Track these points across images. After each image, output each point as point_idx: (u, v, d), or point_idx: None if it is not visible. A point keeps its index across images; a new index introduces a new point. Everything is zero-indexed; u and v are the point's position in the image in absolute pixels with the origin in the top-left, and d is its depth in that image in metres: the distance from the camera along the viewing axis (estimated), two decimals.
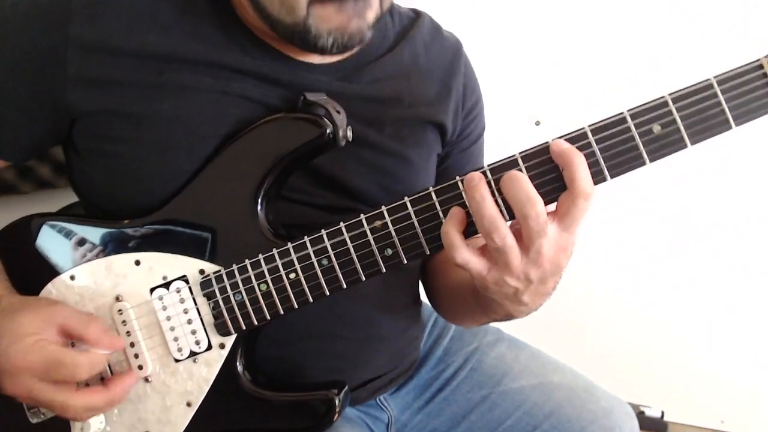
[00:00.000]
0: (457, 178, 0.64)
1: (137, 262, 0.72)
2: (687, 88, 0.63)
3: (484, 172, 0.62)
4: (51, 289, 0.74)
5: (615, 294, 1.65)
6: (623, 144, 0.63)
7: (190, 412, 0.72)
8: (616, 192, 1.48)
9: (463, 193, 0.63)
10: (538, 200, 0.58)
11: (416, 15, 0.88)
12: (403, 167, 0.80)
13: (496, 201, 0.61)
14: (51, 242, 0.75)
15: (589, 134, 0.63)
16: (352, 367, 0.80)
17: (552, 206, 0.62)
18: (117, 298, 0.72)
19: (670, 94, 0.63)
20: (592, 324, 1.67)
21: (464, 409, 0.89)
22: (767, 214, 1.50)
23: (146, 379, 0.72)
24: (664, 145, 0.63)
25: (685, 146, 0.63)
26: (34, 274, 0.74)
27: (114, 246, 0.73)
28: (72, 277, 0.73)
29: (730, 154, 1.45)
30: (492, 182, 0.62)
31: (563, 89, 1.39)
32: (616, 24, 1.40)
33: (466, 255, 0.61)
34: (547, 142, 0.61)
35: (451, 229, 0.61)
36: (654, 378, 1.67)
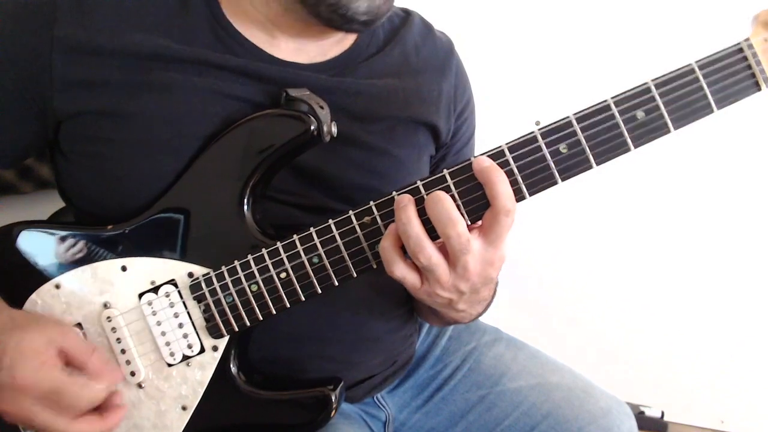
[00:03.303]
0: (445, 171, 0.65)
1: (123, 268, 0.71)
2: (669, 73, 0.63)
3: (417, 188, 0.63)
4: (36, 299, 0.72)
5: (615, 294, 1.64)
6: (608, 132, 0.63)
7: (186, 416, 0.71)
8: (616, 191, 1.48)
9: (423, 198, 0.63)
10: (459, 221, 0.59)
11: (406, 14, 0.87)
12: (394, 166, 0.79)
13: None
14: (32, 251, 0.73)
15: (574, 122, 0.63)
16: (345, 368, 0.79)
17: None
18: (105, 305, 0.71)
19: (653, 80, 0.63)
20: (591, 324, 1.66)
21: (462, 409, 0.89)
22: (766, 214, 1.50)
23: (139, 385, 0.71)
24: (648, 131, 0.63)
25: (669, 131, 0.64)
26: (17, 284, 0.73)
27: (99, 252, 0.72)
28: (57, 286, 0.72)
29: (729, 154, 1.45)
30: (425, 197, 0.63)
31: (563, 89, 1.37)
32: (615, 24, 1.39)
33: (403, 270, 0.63)
34: (468, 159, 0.63)
35: (389, 245, 0.62)
36: (654, 378, 1.65)
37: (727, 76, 0.63)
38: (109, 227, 0.72)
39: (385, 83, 0.80)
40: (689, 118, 0.63)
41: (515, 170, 0.63)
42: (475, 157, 0.63)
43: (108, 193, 0.72)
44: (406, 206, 0.61)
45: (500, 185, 0.59)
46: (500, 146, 0.64)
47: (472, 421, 0.88)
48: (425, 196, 0.63)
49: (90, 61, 0.69)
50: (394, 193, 0.66)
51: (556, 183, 0.64)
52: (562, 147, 0.63)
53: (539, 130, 0.63)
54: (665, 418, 1.65)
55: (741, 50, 0.63)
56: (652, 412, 1.64)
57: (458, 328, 0.97)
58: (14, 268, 0.73)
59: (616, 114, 0.63)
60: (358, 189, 0.77)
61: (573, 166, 0.63)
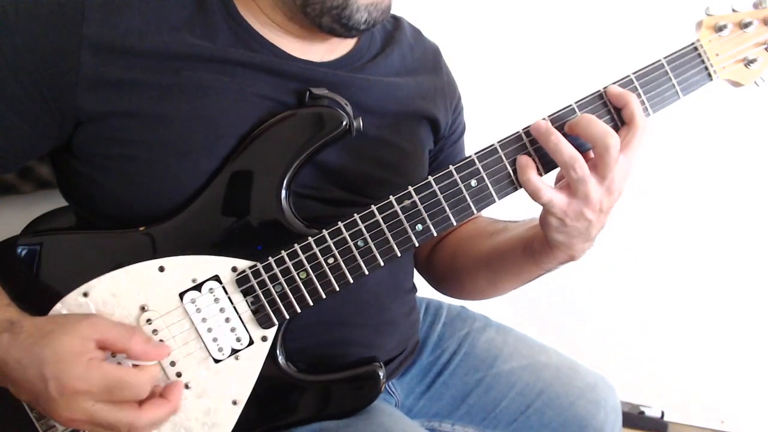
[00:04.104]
0: (473, 154, 0.73)
1: (161, 269, 0.70)
2: (644, 67, 0.77)
3: (520, 136, 0.72)
4: (61, 308, 0.69)
5: (615, 294, 1.66)
6: (603, 116, 0.75)
7: (237, 410, 0.71)
8: None
9: (502, 156, 0.72)
10: (614, 133, 0.67)
11: (395, 19, 0.93)
12: (401, 158, 0.85)
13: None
14: (54, 259, 0.70)
15: (577, 110, 0.74)
16: (368, 352, 0.83)
17: None
18: (143, 308, 0.70)
19: (633, 73, 0.76)
20: (592, 324, 1.67)
21: (462, 392, 0.95)
22: (766, 214, 1.57)
23: (186, 386, 0.70)
24: None
25: (648, 115, 0.77)
26: (39, 295, 0.69)
27: (132, 254, 0.70)
28: (85, 294, 0.69)
29: (730, 154, 1.55)
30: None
31: (553, 91, 1.45)
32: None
33: (550, 193, 0.69)
34: (599, 90, 0.73)
35: (530, 176, 0.70)
36: (654, 378, 1.68)
37: (687, 69, 0.78)
38: (141, 228, 0.71)
39: (391, 80, 0.86)
40: (662, 104, 0.77)
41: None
42: (605, 88, 0.73)
43: (138, 194, 0.71)
44: (550, 129, 0.68)
45: (638, 104, 0.70)
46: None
47: (472, 404, 0.94)
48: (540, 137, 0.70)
49: (119, 61, 0.68)
50: (430, 177, 0.72)
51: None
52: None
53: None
54: (665, 418, 1.68)
55: (696, 48, 0.78)
56: (652, 412, 1.67)
57: (450, 315, 1.03)
58: (35, 278, 0.70)
59: (608, 102, 0.75)
60: (369, 180, 0.82)
61: None
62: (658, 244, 1.66)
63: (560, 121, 0.72)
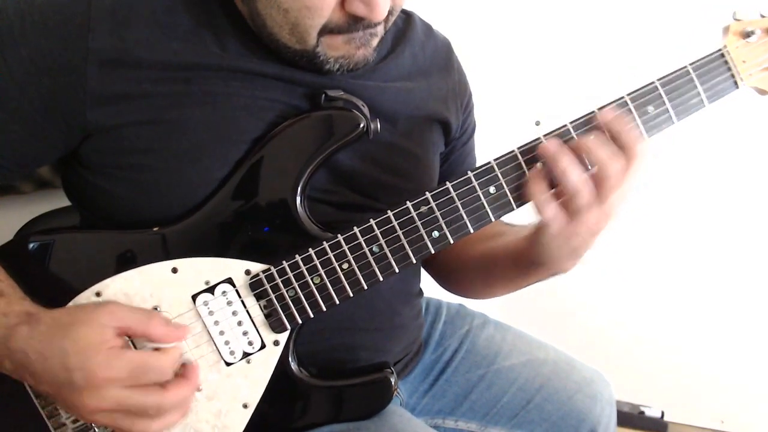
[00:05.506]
0: (492, 161, 0.72)
1: (174, 270, 0.70)
2: (670, 74, 0.75)
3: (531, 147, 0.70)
4: None
5: (615, 295, 1.67)
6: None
7: (248, 414, 0.71)
8: None
9: (522, 163, 0.71)
10: (620, 157, 0.66)
11: (407, 15, 0.90)
12: (413, 164, 0.84)
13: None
14: (68, 258, 0.70)
15: (598, 117, 0.73)
16: (378, 356, 0.83)
17: None
18: (155, 310, 0.69)
19: (658, 80, 0.74)
20: (592, 324, 1.68)
21: (464, 389, 0.95)
22: (767, 214, 1.57)
23: (197, 388, 0.70)
24: (658, 123, 0.75)
25: (673, 123, 0.75)
26: (51, 294, 0.68)
27: (145, 255, 0.70)
28: (98, 293, 0.69)
29: (730, 154, 1.55)
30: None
31: (563, 89, 1.42)
32: (611, 25, 1.49)
33: (554, 209, 0.68)
34: (593, 112, 0.71)
35: (539, 190, 0.68)
36: (654, 378, 1.68)
37: (713, 76, 0.76)
38: (155, 229, 0.70)
39: (402, 85, 0.84)
40: (687, 112, 0.75)
41: None
42: (599, 109, 0.71)
43: (149, 201, 0.70)
44: (564, 150, 0.67)
45: (632, 131, 0.68)
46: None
47: (474, 400, 0.95)
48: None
49: (128, 74, 0.67)
50: (448, 183, 0.71)
51: None
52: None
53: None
54: (665, 418, 1.69)
55: (722, 55, 0.76)
56: (652, 412, 1.68)
57: (450, 314, 1.03)
58: (47, 277, 0.69)
59: (632, 108, 0.73)
60: (380, 186, 0.81)
61: None
62: (658, 245, 1.66)
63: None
